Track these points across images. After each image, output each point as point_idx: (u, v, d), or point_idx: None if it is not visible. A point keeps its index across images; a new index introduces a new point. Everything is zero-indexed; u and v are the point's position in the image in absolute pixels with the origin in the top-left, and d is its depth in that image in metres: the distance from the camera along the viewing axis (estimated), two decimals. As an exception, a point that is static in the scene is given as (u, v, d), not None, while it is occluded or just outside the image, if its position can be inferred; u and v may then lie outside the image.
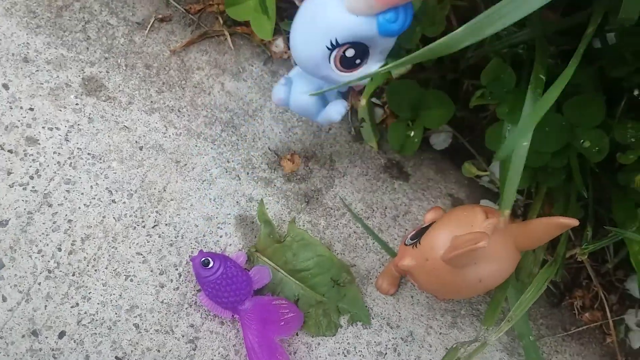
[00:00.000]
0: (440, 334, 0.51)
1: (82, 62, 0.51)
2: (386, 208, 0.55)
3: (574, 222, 0.38)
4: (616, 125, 0.47)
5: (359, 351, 0.48)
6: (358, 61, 0.39)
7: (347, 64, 0.39)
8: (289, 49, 0.57)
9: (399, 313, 0.51)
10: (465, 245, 0.37)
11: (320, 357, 0.47)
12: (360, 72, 0.40)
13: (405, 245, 0.45)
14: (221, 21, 0.55)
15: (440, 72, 0.58)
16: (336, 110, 0.44)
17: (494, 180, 0.60)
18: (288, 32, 0.56)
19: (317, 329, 0.48)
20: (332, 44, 0.37)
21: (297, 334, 0.47)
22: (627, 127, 0.47)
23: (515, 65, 0.48)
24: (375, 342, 0.49)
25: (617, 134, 0.47)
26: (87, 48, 0.52)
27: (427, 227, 0.44)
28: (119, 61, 0.52)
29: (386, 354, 0.49)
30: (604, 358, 0.56)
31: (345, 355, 0.48)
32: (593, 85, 0.48)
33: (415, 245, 0.43)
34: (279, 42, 0.57)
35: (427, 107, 0.53)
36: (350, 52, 0.38)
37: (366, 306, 0.50)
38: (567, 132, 0.48)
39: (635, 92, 0.48)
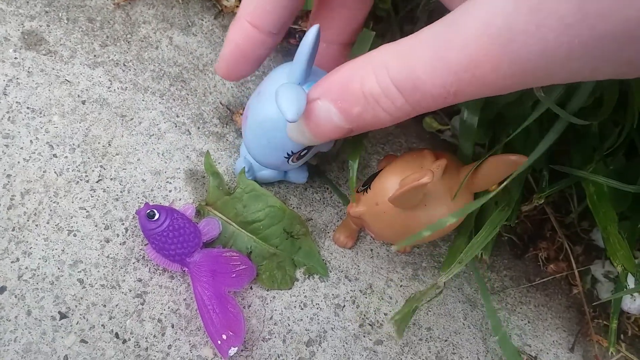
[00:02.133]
0: (400, 286, 0.50)
1: (22, 16, 0.49)
2: (344, 162, 0.54)
3: (522, 158, 0.37)
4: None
5: (316, 304, 0.47)
6: (305, 151, 0.42)
7: (305, 154, 0.42)
8: (240, 2, 0.55)
9: (358, 266, 0.50)
10: (409, 183, 0.35)
11: (275, 310, 0.46)
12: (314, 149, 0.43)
13: (357, 192, 0.44)
14: (168, -27, 0.54)
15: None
16: (299, 177, 0.50)
17: (455, 135, 0.59)
18: (239, -14, 0.55)
19: (272, 282, 0.46)
20: (288, 154, 0.41)
21: (251, 287, 0.46)
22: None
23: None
24: (333, 294, 0.48)
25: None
26: (27, 2, 0.50)
27: (377, 173, 0.42)
28: (60, 15, 0.50)
29: (344, 306, 0.48)
30: (570, 309, 0.55)
31: (302, 308, 0.46)
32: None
33: (366, 191, 0.42)
34: (230, -3, 0.55)
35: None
36: (304, 152, 0.42)
37: (323, 259, 0.49)
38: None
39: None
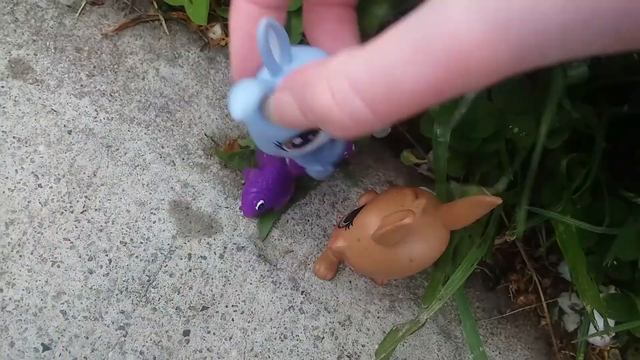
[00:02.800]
0: (378, 317, 0.51)
1: (9, 44, 0.50)
2: (325, 195, 0.55)
3: (497, 200, 0.38)
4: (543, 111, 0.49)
5: (296, 335, 0.48)
6: (311, 137, 0.39)
7: (301, 144, 0.39)
8: (226, 35, 0.57)
9: (337, 297, 0.51)
10: (391, 223, 0.37)
11: (256, 341, 0.47)
12: (320, 139, 0.40)
13: (339, 227, 0.45)
14: (156, 6, 0.55)
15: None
16: (315, 171, 0.46)
17: (431, 168, 0.61)
18: (225, 19, 0.56)
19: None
20: (276, 144, 0.38)
21: (232, 319, 0.47)
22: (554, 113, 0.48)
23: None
24: (312, 326, 0.49)
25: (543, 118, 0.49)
26: (15, 30, 0.50)
27: (359, 209, 0.44)
28: (48, 44, 0.51)
29: (323, 338, 0.49)
30: (539, 340, 0.58)
31: (282, 340, 0.47)
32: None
33: (348, 227, 0.44)
34: (217, 29, 0.57)
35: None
36: (297, 140, 0.38)
37: (303, 291, 0.50)
38: (497, 118, 0.49)
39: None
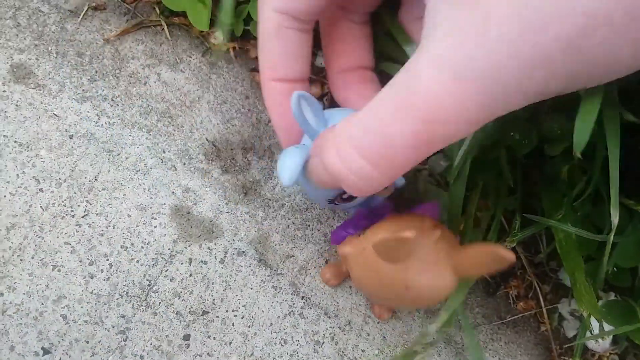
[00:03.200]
0: (378, 323, 0.51)
1: (11, 49, 0.50)
2: (325, 199, 0.55)
3: (511, 257, 0.36)
4: (544, 118, 0.49)
5: (296, 340, 0.48)
6: None
7: (350, 197, 0.41)
8: (228, 41, 0.57)
9: (337, 303, 0.51)
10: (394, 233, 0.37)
11: (256, 346, 0.47)
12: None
13: (354, 234, 0.45)
14: (158, 11, 0.55)
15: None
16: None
17: (432, 174, 0.61)
18: (226, 25, 0.56)
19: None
20: (328, 201, 0.41)
21: (233, 324, 0.47)
22: (554, 120, 0.48)
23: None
24: (312, 331, 0.49)
25: (545, 126, 0.49)
26: (17, 35, 0.50)
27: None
28: (50, 49, 0.51)
29: (324, 343, 0.49)
30: (539, 346, 0.58)
31: (282, 345, 0.47)
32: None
33: (360, 234, 0.44)
34: (218, 34, 0.57)
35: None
36: (345, 195, 0.40)
37: (303, 296, 0.50)
38: (498, 125, 0.49)
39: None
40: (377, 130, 0.27)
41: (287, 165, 0.33)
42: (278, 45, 0.36)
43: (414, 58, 0.26)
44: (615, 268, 0.54)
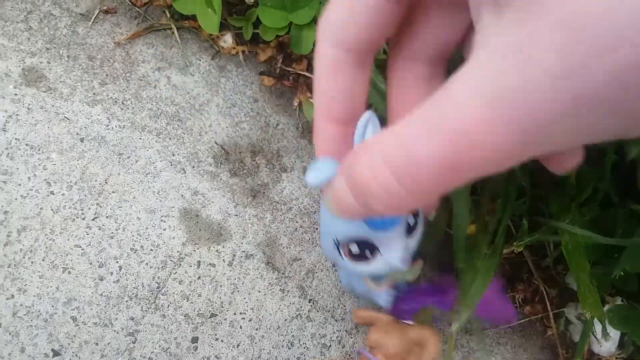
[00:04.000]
0: (384, 326, 0.52)
1: (23, 52, 0.50)
2: (333, 203, 0.55)
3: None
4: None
5: (303, 343, 0.48)
6: (369, 254, 0.39)
7: (358, 258, 0.40)
8: (237, 44, 0.57)
9: (344, 306, 0.51)
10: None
11: (264, 349, 0.47)
12: (379, 264, 0.40)
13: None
14: (168, 15, 0.55)
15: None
16: (383, 299, 0.47)
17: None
18: (236, 28, 0.57)
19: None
20: (334, 241, 0.39)
21: (240, 327, 0.47)
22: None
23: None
24: (319, 334, 0.49)
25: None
26: (29, 38, 0.51)
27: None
28: (61, 52, 0.51)
29: (330, 346, 0.49)
30: (545, 350, 0.58)
31: (289, 348, 0.48)
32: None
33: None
34: (227, 38, 0.57)
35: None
36: (354, 248, 0.39)
37: (310, 299, 0.50)
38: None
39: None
40: (406, 146, 0.26)
41: (319, 167, 0.32)
42: (333, 83, 0.35)
43: (455, 76, 0.25)
44: (622, 273, 0.54)
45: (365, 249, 0.39)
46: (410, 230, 0.39)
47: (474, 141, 0.23)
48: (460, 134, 0.24)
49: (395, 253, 0.38)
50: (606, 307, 0.55)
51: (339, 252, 0.40)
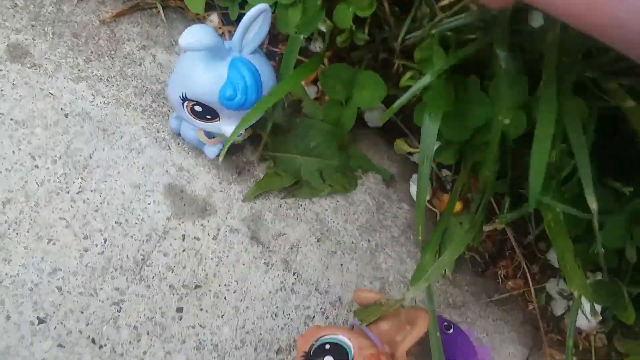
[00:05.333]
0: (368, 299, 0.52)
1: (8, 29, 0.51)
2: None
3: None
4: (535, 104, 0.50)
5: (287, 314, 0.49)
6: (208, 117, 0.45)
7: (198, 116, 0.45)
8: (224, 24, 0.58)
9: (328, 279, 0.52)
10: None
11: (248, 319, 0.48)
12: (213, 126, 0.46)
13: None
14: (153, -6, 0.56)
15: (372, 52, 0.59)
16: (210, 151, 0.51)
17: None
18: (222, 8, 0.57)
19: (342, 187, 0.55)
20: (181, 96, 0.43)
21: (225, 298, 0.48)
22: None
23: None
24: (303, 306, 0.50)
25: (535, 112, 0.50)
26: (14, 15, 0.51)
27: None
28: (46, 29, 0.52)
29: (314, 317, 0.50)
30: (526, 324, 0.59)
31: (273, 318, 0.48)
32: (516, 68, 0.51)
33: None
34: (214, 17, 0.58)
35: (360, 88, 0.54)
36: (198, 108, 0.44)
37: (295, 272, 0.51)
38: (489, 110, 0.50)
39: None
40: None
41: (197, 33, 0.38)
42: None
43: None
44: (602, 249, 0.55)
45: (208, 114, 0.44)
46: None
47: None
48: None
49: (231, 127, 0.44)
50: (587, 283, 0.56)
51: (182, 105, 0.44)
